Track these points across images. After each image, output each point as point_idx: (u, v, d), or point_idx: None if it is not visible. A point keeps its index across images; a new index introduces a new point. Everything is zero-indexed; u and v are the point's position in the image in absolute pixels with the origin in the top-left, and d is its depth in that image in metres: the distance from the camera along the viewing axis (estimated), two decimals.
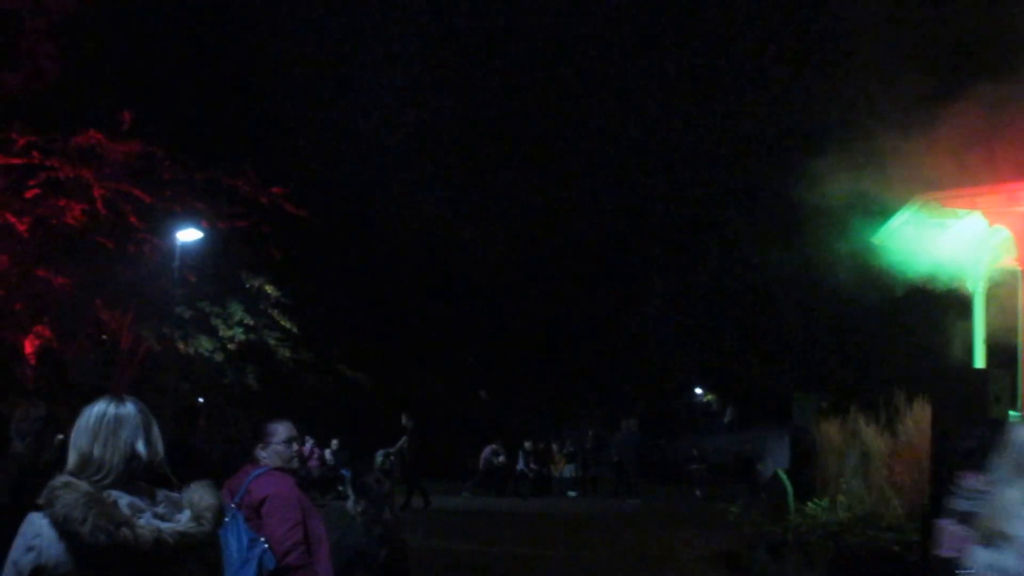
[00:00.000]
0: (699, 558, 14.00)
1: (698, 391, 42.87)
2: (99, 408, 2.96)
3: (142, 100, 21.18)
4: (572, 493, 27.47)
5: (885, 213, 10.96)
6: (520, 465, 28.02)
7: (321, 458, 24.22)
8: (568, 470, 29.26)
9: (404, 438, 20.77)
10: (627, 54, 30.09)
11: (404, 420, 20.66)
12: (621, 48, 30.17)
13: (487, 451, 27.65)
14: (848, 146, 13.02)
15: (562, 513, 22.17)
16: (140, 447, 2.91)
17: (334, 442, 25.01)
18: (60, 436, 11.29)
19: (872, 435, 12.22)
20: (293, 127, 28.70)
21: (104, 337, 22.00)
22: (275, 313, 22.63)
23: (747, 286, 31.55)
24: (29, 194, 19.15)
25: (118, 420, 2.92)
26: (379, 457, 23.28)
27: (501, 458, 27.76)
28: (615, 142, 32.01)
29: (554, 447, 30.64)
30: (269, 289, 22.44)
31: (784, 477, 13.10)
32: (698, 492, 25.85)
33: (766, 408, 28.30)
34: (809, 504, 12.09)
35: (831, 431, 13.32)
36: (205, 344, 21.91)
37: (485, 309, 34.80)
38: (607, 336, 35.59)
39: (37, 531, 2.75)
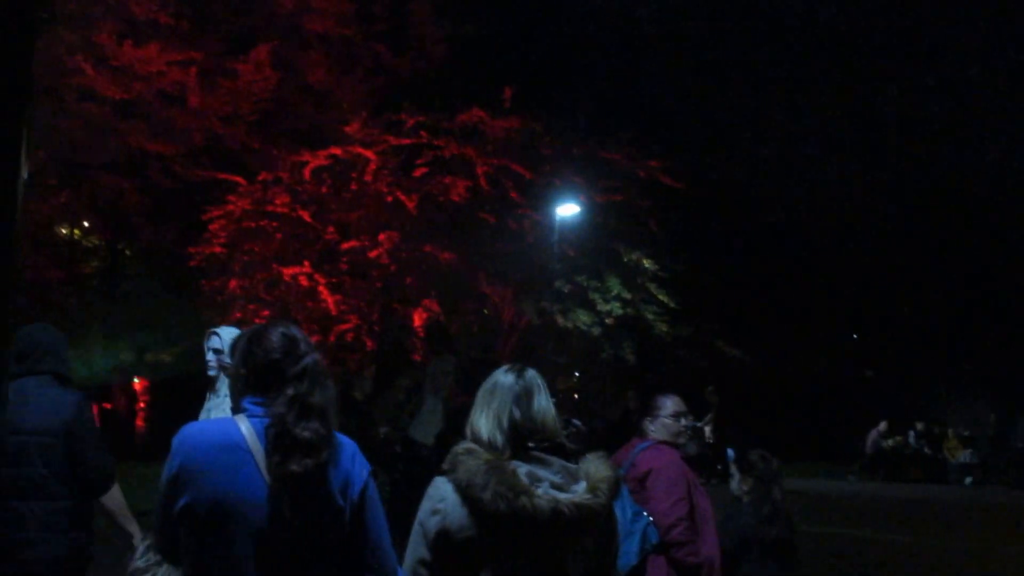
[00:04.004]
0: None
1: None
2: (495, 378, 3.07)
3: (520, 76, 21.43)
4: (969, 480, 25.34)
5: None
6: (911, 448, 26.29)
7: (714, 435, 23.64)
8: (965, 455, 26.99)
9: (711, 414, 19.50)
10: None
11: (708, 394, 19.50)
12: None
13: (874, 433, 26.23)
14: None
15: (957, 502, 20.49)
16: (520, 416, 2.95)
17: (706, 417, 24.40)
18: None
19: None
20: (671, 101, 28.21)
21: (486, 311, 22.53)
22: (652, 287, 22.25)
23: None
24: (417, 172, 19.87)
25: (510, 389, 3.00)
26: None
27: (890, 441, 26.18)
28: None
29: (949, 430, 28.40)
30: (647, 263, 22.07)
31: None
32: None
33: None
34: None
35: None
36: (583, 318, 21.93)
37: (871, 284, 32.91)
38: (1011, 310, 32.62)
39: (442, 495, 2.85)
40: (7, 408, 4.11)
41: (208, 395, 5.76)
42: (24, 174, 2.91)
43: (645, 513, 4.73)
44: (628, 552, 4.56)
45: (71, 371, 4.98)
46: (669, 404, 5.20)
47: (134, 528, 4.88)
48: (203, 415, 5.66)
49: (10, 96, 2.81)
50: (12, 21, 2.81)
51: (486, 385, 3.08)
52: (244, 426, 2.72)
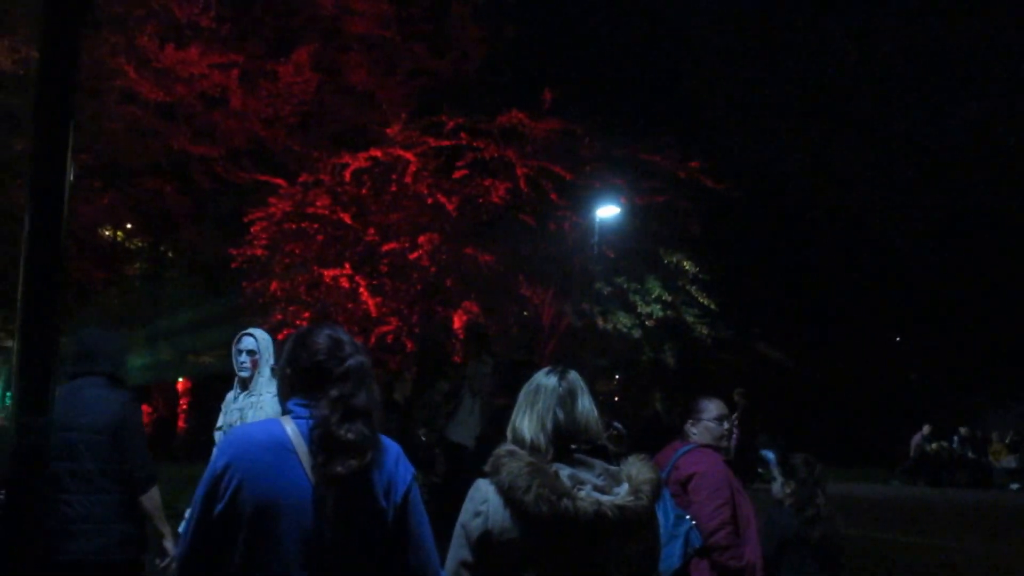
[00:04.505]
0: None
1: None
2: (537, 380, 3.07)
3: (561, 78, 21.37)
4: (1014, 486, 25.04)
5: None
6: (955, 452, 25.97)
7: (739, 438, 23.45)
8: (1009, 460, 26.62)
9: (735, 415, 19.16)
10: None
11: (736, 397, 19.22)
12: None
13: (917, 437, 25.91)
14: None
15: (1002, 507, 20.24)
16: (564, 418, 2.95)
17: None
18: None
19: None
20: (711, 101, 28.04)
21: (525, 313, 22.46)
22: (693, 289, 22.08)
23: None
24: (457, 174, 19.82)
25: (553, 391, 2.99)
26: None
27: (933, 445, 25.85)
28: None
29: (993, 434, 28.03)
30: (687, 265, 21.91)
31: None
32: None
33: None
34: None
35: None
36: (623, 320, 21.81)
37: (915, 287, 32.50)
38: None
39: (484, 497, 2.86)
40: (56, 404, 4.41)
41: (234, 394, 5.89)
42: (70, 176, 2.92)
43: (688, 517, 4.73)
44: (671, 556, 4.57)
45: (126, 373, 5.26)
46: (711, 407, 5.17)
47: (167, 530, 5.10)
48: (228, 416, 5.81)
49: (57, 102, 2.83)
50: (59, 28, 2.82)
51: (528, 387, 3.08)
52: (289, 427, 2.75)
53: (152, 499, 4.98)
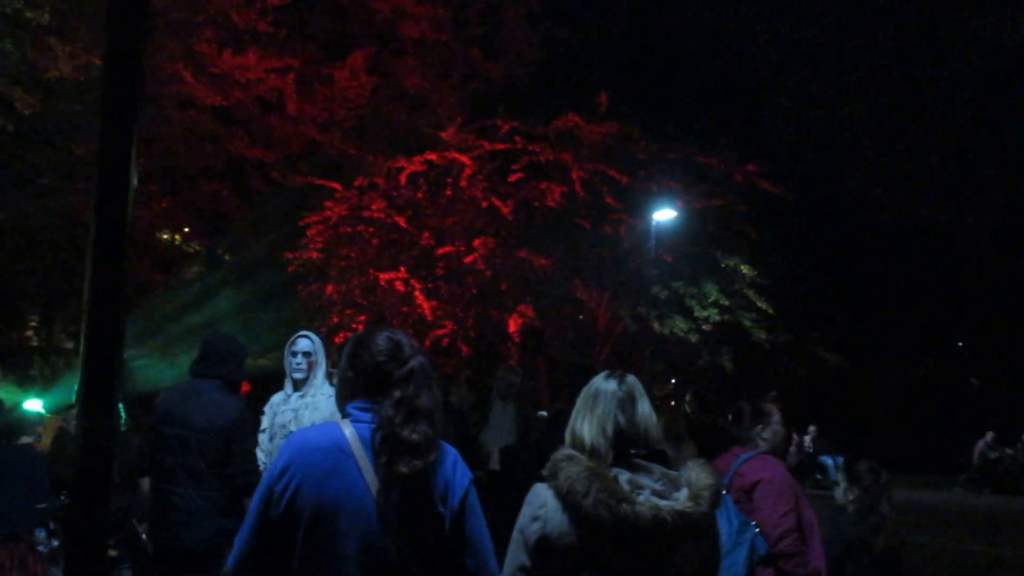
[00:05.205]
0: None
1: None
2: (596, 384, 3.05)
3: (616, 81, 21.25)
4: None
5: None
6: (1019, 459, 25.50)
7: (799, 444, 23.22)
8: None
9: None
10: None
11: (769, 400, 18.87)
12: None
13: (981, 443, 25.41)
14: None
15: None
16: (624, 422, 2.93)
17: (811, 428, 23.95)
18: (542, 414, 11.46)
19: None
20: (768, 104, 27.76)
21: (581, 317, 22.37)
22: (751, 294, 21.81)
23: None
24: (512, 178, 19.79)
25: (613, 395, 2.97)
26: None
27: (997, 452, 25.38)
28: None
29: None
30: (744, 269, 21.64)
31: None
32: None
33: None
34: None
35: None
36: (680, 325, 21.60)
37: (977, 291, 31.94)
38: None
39: (543, 502, 2.84)
40: (172, 400, 5.27)
41: (284, 396, 5.95)
42: (134, 181, 2.91)
43: (752, 523, 4.67)
44: (736, 563, 4.53)
45: (241, 379, 5.59)
46: (775, 410, 5.18)
47: None
48: (280, 417, 5.89)
49: (122, 110, 2.83)
50: (123, 35, 2.82)
51: (587, 392, 3.05)
52: (348, 430, 2.75)
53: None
